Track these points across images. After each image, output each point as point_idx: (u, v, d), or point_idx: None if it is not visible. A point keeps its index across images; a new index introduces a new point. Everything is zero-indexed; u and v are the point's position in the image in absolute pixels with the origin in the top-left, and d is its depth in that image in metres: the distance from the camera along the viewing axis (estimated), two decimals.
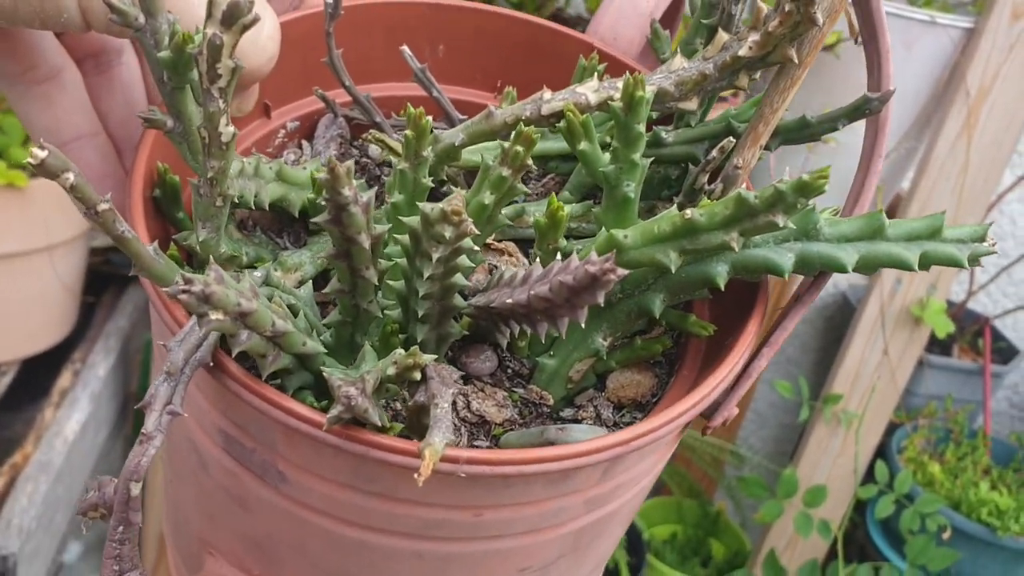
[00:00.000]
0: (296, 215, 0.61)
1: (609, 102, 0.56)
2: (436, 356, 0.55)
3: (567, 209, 0.55)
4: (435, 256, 0.46)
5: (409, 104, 0.54)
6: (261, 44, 0.53)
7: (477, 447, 0.57)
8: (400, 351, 0.46)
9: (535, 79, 0.74)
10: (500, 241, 0.66)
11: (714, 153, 0.55)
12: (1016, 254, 2.28)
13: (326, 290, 0.49)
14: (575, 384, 0.60)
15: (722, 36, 0.55)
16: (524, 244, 0.68)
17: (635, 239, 0.52)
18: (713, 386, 0.52)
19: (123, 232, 0.43)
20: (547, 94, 0.56)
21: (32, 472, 1.48)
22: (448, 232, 0.44)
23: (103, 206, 0.41)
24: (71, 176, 0.39)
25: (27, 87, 0.57)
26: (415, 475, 0.40)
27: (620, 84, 0.56)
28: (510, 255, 0.63)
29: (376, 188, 0.68)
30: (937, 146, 1.79)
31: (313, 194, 0.59)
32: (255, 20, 0.38)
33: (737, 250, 0.49)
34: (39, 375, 1.71)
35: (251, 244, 0.59)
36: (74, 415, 1.61)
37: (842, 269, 0.52)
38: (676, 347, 0.61)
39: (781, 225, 0.47)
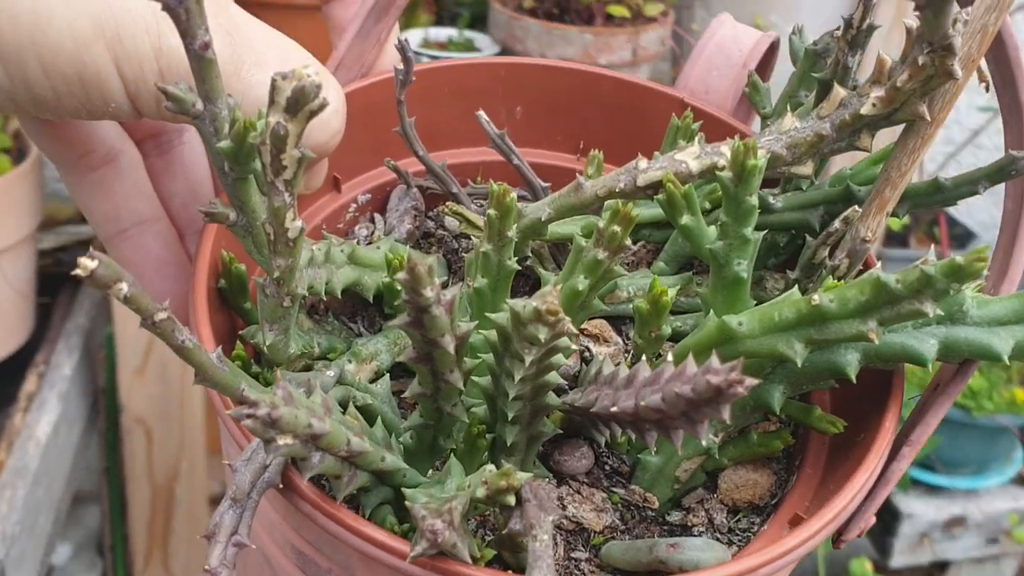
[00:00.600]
0: (371, 299, 0.56)
1: (714, 170, 0.50)
2: (527, 464, 0.50)
3: (671, 290, 0.49)
4: (528, 358, 0.40)
5: (492, 181, 0.49)
6: (325, 119, 0.49)
7: (575, 559, 0.51)
8: (490, 468, 0.41)
9: (622, 138, 0.69)
10: (590, 319, 0.60)
11: (837, 224, 0.49)
12: (962, 140, 2.31)
13: (406, 394, 0.44)
14: (682, 484, 0.53)
15: (839, 92, 0.49)
16: (616, 321, 0.62)
17: (752, 327, 0.46)
18: (851, 496, 0.45)
19: (183, 342, 0.38)
20: (643, 163, 0.50)
21: (8, 478, 1.47)
22: (543, 333, 0.39)
23: (161, 316, 0.36)
24: (125, 287, 0.35)
25: (83, 173, 0.53)
26: None
27: (724, 149, 0.51)
28: (604, 339, 0.57)
29: (455, 276, 0.63)
30: None
31: (388, 277, 0.54)
32: (323, 106, 0.34)
33: (876, 342, 0.42)
34: (3, 382, 1.69)
35: (323, 332, 0.54)
36: (44, 417, 1.59)
37: (996, 358, 0.45)
38: (795, 440, 0.54)
39: (930, 314, 0.40)
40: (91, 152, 0.53)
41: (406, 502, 0.40)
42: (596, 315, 0.61)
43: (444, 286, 0.63)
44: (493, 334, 0.43)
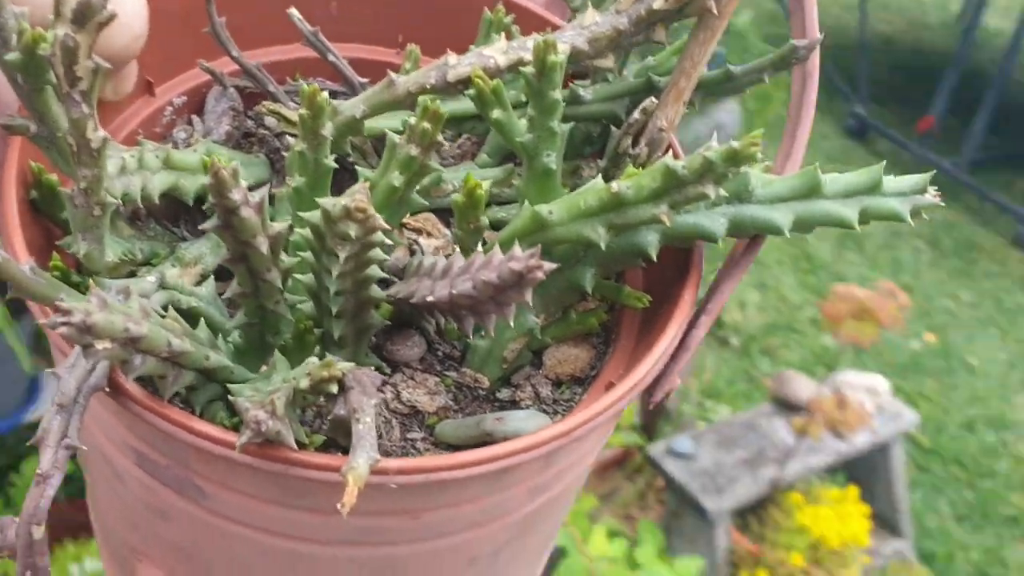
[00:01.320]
0: (191, 203, 0.56)
1: (520, 66, 0.52)
2: (358, 355, 0.52)
3: (485, 183, 0.51)
4: (342, 255, 0.42)
5: (303, 80, 0.50)
6: (125, 23, 0.48)
7: (411, 439, 0.54)
8: (313, 360, 0.43)
9: (441, 32, 0.69)
10: (416, 213, 0.62)
11: (636, 115, 0.52)
12: None
13: (227, 294, 0.45)
14: (510, 363, 0.57)
15: None
16: (444, 214, 0.64)
17: (561, 215, 0.49)
18: (652, 363, 0.49)
19: None
20: (452, 58, 0.52)
21: None
22: (353, 230, 0.40)
23: None
24: None
25: None
26: (339, 504, 0.37)
27: (531, 44, 0.53)
28: (429, 233, 0.59)
29: (279, 175, 0.63)
30: None
31: (208, 178, 0.54)
32: (111, 17, 0.33)
33: (668, 223, 0.46)
34: None
35: (144, 239, 0.54)
36: None
37: (778, 231, 0.50)
38: (611, 317, 0.59)
39: (712, 196, 0.44)
40: None
41: (230, 397, 0.42)
42: (422, 209, 0.63)
43: (271, 185, 0.64)
44: (309, 232, 0.44)
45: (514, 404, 0.57)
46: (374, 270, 0.46)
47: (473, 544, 0.54)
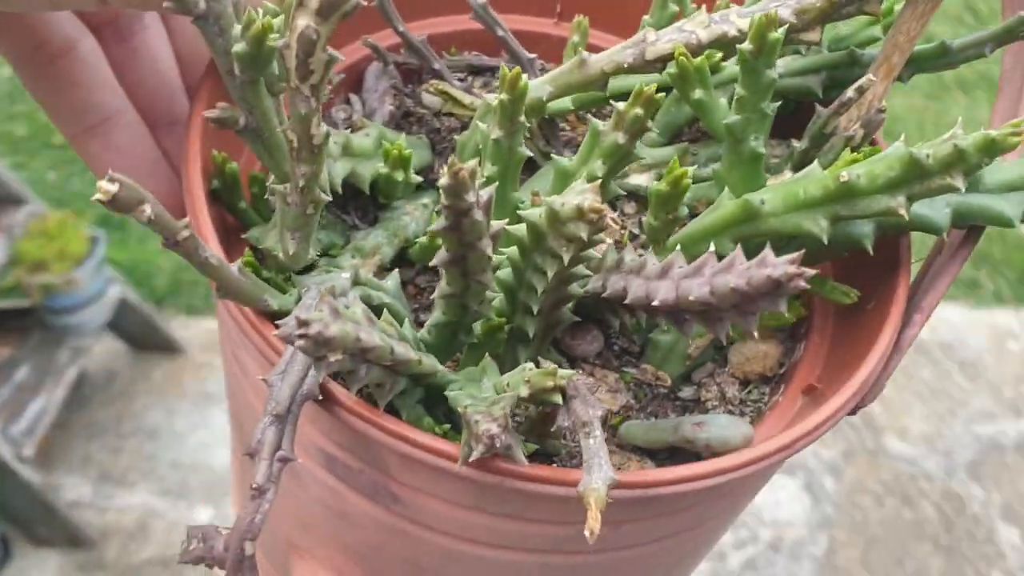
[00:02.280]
0: (366, 190, 0.53)
1: (724, 40, 0.48)
2: (541, 351, 0.49)
3: (689, 172, 0.48)
4: (566, 256, 0.39)
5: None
6: None
7: None
8: (529, 367, 0.40)
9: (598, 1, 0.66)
10: None
11: (851, 93, 0.48)
12: None
13: (435, 296, 0.43)
14: (693, 360, 0.54)
15: None
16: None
17: (775, 205, 0.45)
18: (871, 367, 0.46)
19: (207, 258, 0.36)
20: (651, 35, 0.48)
21: None
22: (583, 232, 0.37)
23: (184, 234, 0.34)
24: (147, 209, 0.32)
25: (40, 67, 0.49)
26: (586, 532, 0.34)
27: (734, 17, 0.49)
28: (610, 221, 0.56)
29: (439, 156, 0.61)
30: None
31: (385, 167, 0.52)
32: (356, 6, 0.31)
33: (906, 217, 0.42)
34: None
35: (320, 228, 0.52)
36: None
37: (1008, 224, 0.46)
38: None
39: (961, 189, 0.40)
40: (46, 43, 0.48)
41: (451, 404, 0.39)
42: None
43: (431, 169, 0.61)
44: (521, 229, 0.41)
45: (698, 404, 0.54)
46: (582, 269, 0.43)
47: (659, 555, 0.51)
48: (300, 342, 0.32)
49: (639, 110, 0.43)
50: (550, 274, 0.41)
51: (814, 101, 0.55)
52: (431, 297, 0.46)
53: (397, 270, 0.49)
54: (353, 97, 0.62)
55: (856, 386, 0.45)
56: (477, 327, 0.47)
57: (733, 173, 0.48)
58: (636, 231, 0.59)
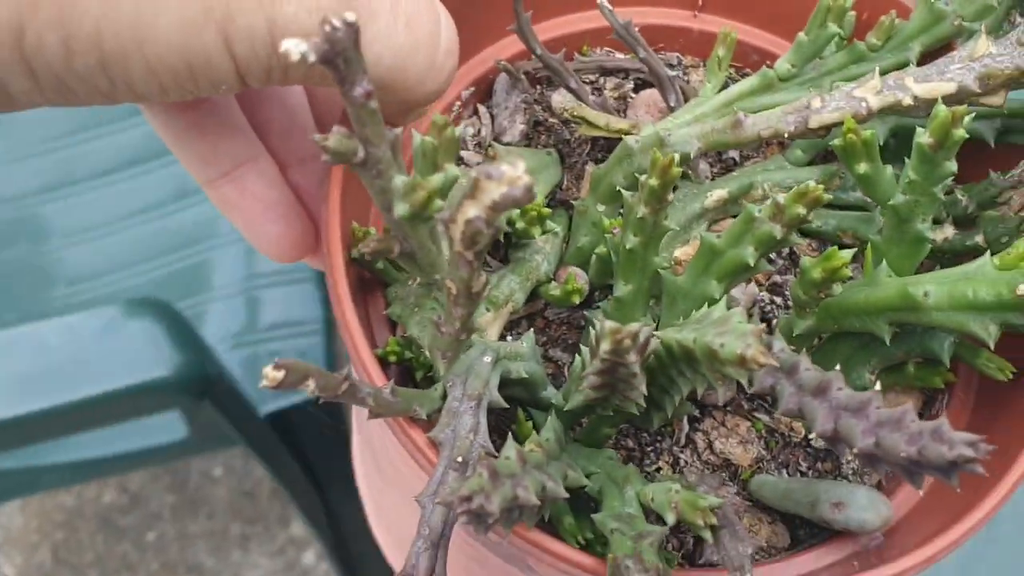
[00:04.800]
0: (501, 237, 0.52)
1: (898, 108, 0.45)
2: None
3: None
4: (718, 388, 0.38)
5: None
6: (439, 65, 0.42)
7: (724, 497, 0.51)
8: (673, 488, 0.40)
9: None
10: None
11: None
12: None
13: (580, 399, 0.42)
14: None
15: None
16: None
17: (939, 300, 0.43)
18: None
19: (364, 397, 0.36)
20: (815, 102, 0.45)
21: None
22: (743, 378, 0.36)
23: (343, 388, 0.34)
24: (312, 384, 0.32)
25: (173, 114, 0.48)
26: None
27: (909, 83, 0.45)
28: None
29: (569, 171, 0.59)
30: None
31: (522, 223, 0.50)
32: (529, 200, 0.29)
33: None
34: None
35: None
36: None
37: None
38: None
39: None
40: None
41: (598, 525, 0.40)
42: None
43: (559, 186, 0.59)
44: (673, 342, 0.40)
45: (831, 456, 0.53)
46: None
47: None
48: (463, 518, 0.32)
49: (802, 210, 0.41)
50: (699, 388, 0.40)
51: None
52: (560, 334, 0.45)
53: (532, 332, 0.49)
54: (482, 109, 0.59)
55: (1020, 472, 0.44)
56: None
57: (893, 249, 0.45)
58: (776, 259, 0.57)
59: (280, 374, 0.31)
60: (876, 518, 0.46)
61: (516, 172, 0.28)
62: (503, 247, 0.55)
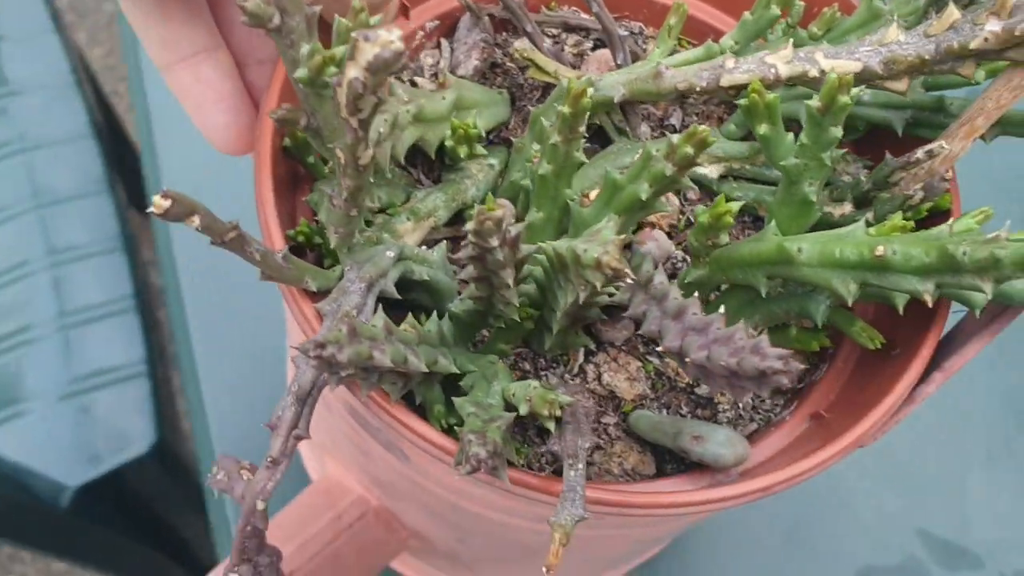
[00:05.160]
0: (432, 155, 0.55)
1: (804, 78, 0.48)
2: (568, 336, 0.52)
3: (733, 209, 0.48)
4: (581, 294, 0.41)
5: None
6: None
7: (604, 424, 0.55)
8: (535, 385, 0.43)
9: None
10: None
11: (920, 154, 0.47)
12: None
13: (462, 296, 0.46)
14: None
15: (953, 13, 0.45)
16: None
17: (811, 256, 0.46)
18: (878, 416, 0.47)
19: (252, 252, 0.40)
20: (729, 62, 0.48)
21: None
22: (599, 281, 0.39)
23: (231, 235, 0.38)
24: (197, 220, 0.36)
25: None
26: (543, 569, 0.38)
27: (819, 58, 0.48)
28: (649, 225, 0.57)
29: (518, 113, 0.62)
30: None
31: (451, 141, 0.54)
32: (404, 67, 0.32)
33: (930, 304, 0.43)
34: None
35: (384, 184, 0.55)
36: None
37: None
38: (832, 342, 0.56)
39: (988, 295, 0.41)
40: None
41: (458, 410, 0.43)
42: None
43: (506, 126, 0.62)
44: (551, 250, 0.43)
45: (711, 404, 0.56)
46: (603, 299, 0.45)
47: (617, 540, 0.55)
48: (314, 363, 0.36)
49: (690, 149, 0.44)
50: (565, 301, 0.43)
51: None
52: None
53: (444, 243, 0.52)
54: (444, 43, 0.63)
55: (859, 433, 0.47)
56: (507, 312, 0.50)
57: (783, 210, 0.49)
58: (693, 219, 0.60)
59: (168, 204, 0.34)
60: (731, 454, 0.50)
61: (390, 36, 0.31)
62: (438, 169, 0.58)
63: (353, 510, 0.60)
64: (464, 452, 0.40)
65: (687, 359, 0.40)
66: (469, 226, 0.37)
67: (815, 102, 0.44)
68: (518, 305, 0.44)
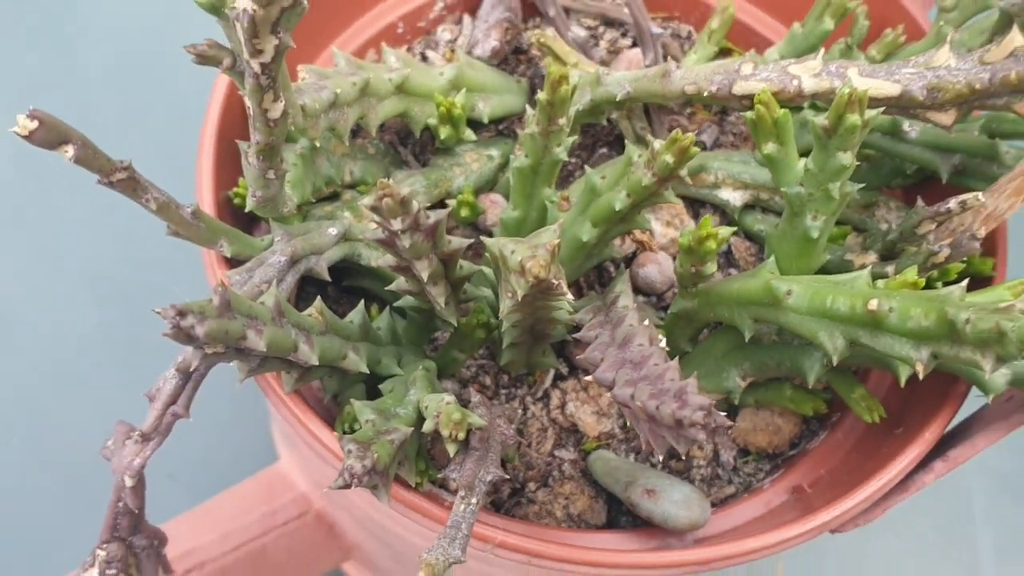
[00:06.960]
0: (417, 133, 0.51)
1: (829, 97, 0.41)
2: (533, 353, 0.46)
3: (719, 235, 0.42)
4: (508, 302, 0.36)
5: (552, 66, 0.42)
6: None
7: (558, 458, 0.49)
8: (446, 399, 0.37)
9: None
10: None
11: (953, 205, 0.40)
12: None
13: (391, 286, 0.40)
14: None
15: (1016, 38, 0.38)
16: (696, 204, 0.55)
17: (800, 302, 0.39)
18: (859, 500, 0.41)
19: (148, 199, 0.35)
20: (746, 67, 0.42)
21: None
22: (521, 288, 0.34)
23: (120, 175, 0.33)
24: (71, 150, 0.32)
25: None
26: None
27: (852, 73, 0.41)
28: (668, 222, 0.51)
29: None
30: None
31: (434, 120, 0.49)
32: (300, 9, 0.28)
33: (921, 376, 0.36)
34: None
35: (360, 157, 0.50)
36: None
37: None
38: (835, 397, 0.49)
39: (988, 373, 0.33)
40: None
41: (356, 414, 0.38)
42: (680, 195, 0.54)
43: (518, 117, 0.57)
44: (495, 248, 0.38)
45: (687, 459, 0.50)
46: (560, 315, 0.40)
47: None
48: (169, 331, 0.31)
49: (670, 159, 0.38)
50: (504, 308, 0.38)
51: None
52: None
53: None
54: (467, 19, 0.58)
55: (840, 511, 0.40)
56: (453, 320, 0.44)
57: (783, 246, 0.42)
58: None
59: (34, 125, 0.31)
60: (685, 516, 0.43)
61: None
62: (430, 151, 0.53)
63: (292, 508, 0.55)
64: (343, 462, 0.35)
65: (614, 391, 0.34)
66: (365, 200, 0.32)
67: (821, 120, 0.37)
68: (444, 305, 0.39)
